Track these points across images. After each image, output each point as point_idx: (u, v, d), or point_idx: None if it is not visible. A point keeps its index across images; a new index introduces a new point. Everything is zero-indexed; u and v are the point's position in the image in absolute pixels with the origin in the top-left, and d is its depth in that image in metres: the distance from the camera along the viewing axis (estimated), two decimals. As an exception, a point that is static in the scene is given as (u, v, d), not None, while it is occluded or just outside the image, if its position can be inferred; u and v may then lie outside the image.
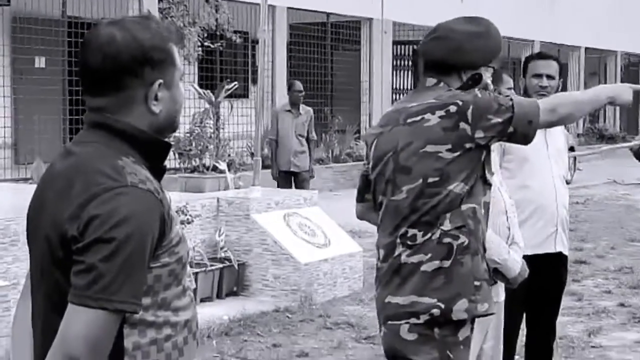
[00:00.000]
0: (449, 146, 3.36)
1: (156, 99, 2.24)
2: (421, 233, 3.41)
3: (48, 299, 2.21)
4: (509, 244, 4.27)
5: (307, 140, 12.39)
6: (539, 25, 27.20)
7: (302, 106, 12.43)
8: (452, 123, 3.36)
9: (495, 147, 4.25)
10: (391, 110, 3.61)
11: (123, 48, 2.20)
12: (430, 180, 3.39)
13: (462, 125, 3.35)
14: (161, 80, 2.24)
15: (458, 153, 3.37)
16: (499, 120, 3.37)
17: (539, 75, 5.22)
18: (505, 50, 27.53)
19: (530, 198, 5.07)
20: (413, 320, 3.41)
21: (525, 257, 4.41)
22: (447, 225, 3.38)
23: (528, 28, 26.69)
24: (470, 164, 3.39)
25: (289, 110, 12.39)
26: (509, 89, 6.02)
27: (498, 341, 4.47)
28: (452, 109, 3.36)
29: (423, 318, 3.39)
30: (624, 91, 3.63)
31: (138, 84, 2.22)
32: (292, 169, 12.22)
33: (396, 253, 3.45)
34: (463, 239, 3.39)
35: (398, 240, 3.45)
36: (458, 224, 3.38)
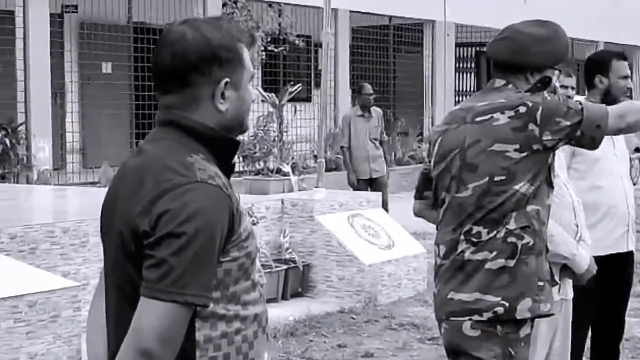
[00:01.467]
0: (517, 146, 3.40)
1: (223, 97, 2.29)
2: (486, 231, 3.44)
3: (121, 293, 2.27)
4: (577, 240, 4.26)
5: (381, 143, 12.00)
6: (603, 25, 26.88)
7: (372, 109, 12.04)
8: (521, 124, 3.40)
9: (564, 147, 4.25)
10: (457, 109, 3.65)
11: (192, 46, 2.25)
12: (497, 179, 3.42)
13: (531, 126, 3.40)
14: (228, 79, 2.28)
15: (526, 154, 3.40)
16: (568, 123, 3.41)
17: (626, 77, 5.19)
18: (569, 50, 27.28)
19: (603, 199, 5.06)
20: (476, 318, 3.44)
21: (598, 257, 4.40)
22: (512, 225, 3.41)
23: (591, 28, 26.38)
24: (536, 165, 3.42)
25: (362, 115, 11.93)
26: (564, 87, 6.00)
27: (567, 340, 4.45)
28: (522, 110, 3.41)
29: (487, 316, 3.42)
30: None
31: (206, 82, 2.27)
32: (373, 176, 11.76)
33: (459, 250, 3.48)
34: (528, 239, 3.42)
35: (462, 237, 3.47)
36: (523, 224, 3.42)
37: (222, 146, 2.32)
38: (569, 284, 4.32)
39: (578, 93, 6.14)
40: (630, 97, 5.18)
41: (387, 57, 21.53)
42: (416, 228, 10.72)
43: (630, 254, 5.26)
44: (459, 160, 3.50)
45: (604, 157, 5.07)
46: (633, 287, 5.63)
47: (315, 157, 13.13)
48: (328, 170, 13.87)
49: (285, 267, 8.61)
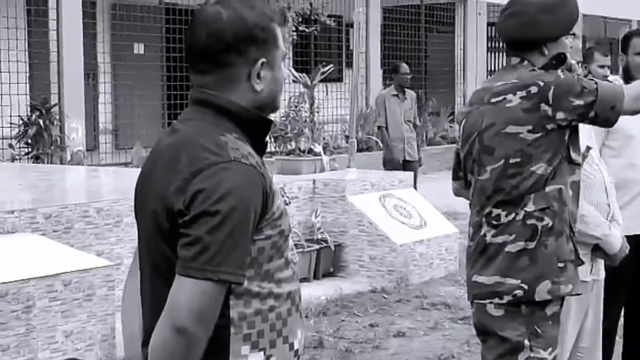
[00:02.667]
0: (530, 127, 3.35)
1: (259, 77, 2.30)
2: (505, 213, 3.42)
3: (156, 271, 2.29)
4: (609, 220, 4.25)
5: (414, 126, 11.81)
6: (636, 3, 26.61)
7: (406, 90, 11.84)
8: (532, 104, 3.34)
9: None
10: (480, 89, 3.62)
11: (228, 26, 2.25)
12: (512, 161, 3.38)
13: (543, 106, 3.34)
14: (264, 59, 2.29)
15: (539, 134, 3.35)
16: (581, 102, 3.34)
17: None
18: (602, 29, 27.04)
19: (638, 177, 5.01)
20: (497, 300, 3.44)
21: (630, 237, 4.38)
22: (530, 207, 3.38)
23: (625, 6, 26.14)
24: (553, 145, 3.37)
25: (396, 95, 11.72)
26: (601, 66, 5.95)
27: (598, 320, 4.44)
28: (533, 89, 3.35)
29: (506, 299, 3.42)
30: None
31: (242, 61, 2.28)
32: (407, 158, 11.54)
33: (482, 232, 3.48)
34: (547, 220, 3.39)
35: (484, 220, 3.48)
36: (542, 205, 3.38)
37: (255, 125, 2.33)
38: (600, 263, 4.31)
39: (612, 72, 6.10)
40: None
41: (418, 36, 21.45)
42: (447, 208, 10.71)
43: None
44: (478, 143, 3.48)
45: (639, 134, 5.04)
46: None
47: (347, 137, 13.11)
48: (359, 150, 13.85)
49: (317, 246, 8.64)
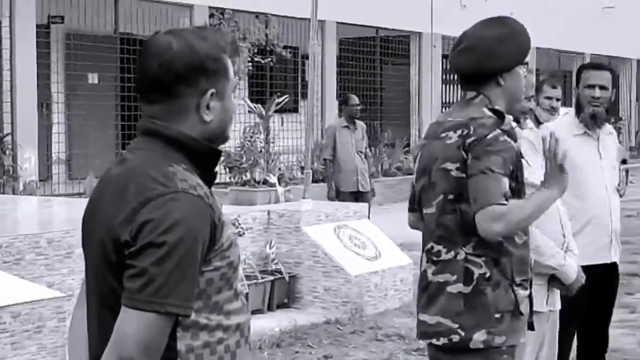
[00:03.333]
0: (457, 165, 3.35)
1: (208, 108, 2.29)
2: (445, 250, 3.40)
3: (102, 303, 2.26)
4: (564, 251, 4.26)
5: (365, 156, 11.73)
6: (590, 37, 27.01)
7: (356, 121, 11.79)
8: (460, 144, 3.35)
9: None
10: (435, 122, 3.63)
11: (178, 56, 2.24)
12: (449, 197, 3.39)
13: (461, 150, 3.34)
14: (214, 90, 2.28)
15: (463, 175, 3.34)
16: (470, 164, 3.30)
17: (592, 86, 5.17)
18: (556, 62, 27.36)
19: (585, 208, 5.04)
20: (434, 342, 3.43)
21: (582, 266, 4.39)
22: (469, 249, 3.36)
23: (579, 40, 26.51)
24: None
25: (346, 126, 11.65)
26: (548, 98, 6.01)
27: (553, 350, 4.45)
28: (465, 131, 3.35)
29: (442, 341, 3.40)
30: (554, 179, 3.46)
31: (191, 92, 2.26)
32: (359, 189, 11.49)
33: (423, 268, 3.49)
34: (485, 269, 3.36)
35: (425, 255, 3.49)
36: (479, 252, 3.35)
37: (204, 156, 2.32)
38: (556, 294, 4.32)
39: (564, 104, 6.16)
40: (596, 107, 5.16)
41: (373, 68, 21.57)
42: (403, 239, 10.71)
43: (614, 265, 5.26)
44: (427, 177, 3.48)
45: (589, 166, 5.09)
46: (618, 298, 5.63)
47: (302, 167, 13.10)
48: (315, 181, 13.86)
49: (271, 277, 8.60)
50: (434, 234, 3.43)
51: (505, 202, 3.24)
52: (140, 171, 2.22)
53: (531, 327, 3.59)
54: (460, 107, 3.50)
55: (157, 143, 2.28)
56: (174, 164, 2.23)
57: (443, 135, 3.41)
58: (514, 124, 3.50)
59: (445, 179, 3.39)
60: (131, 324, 2.10)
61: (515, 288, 3.40)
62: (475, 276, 3.35)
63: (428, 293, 3.44)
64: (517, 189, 3.39)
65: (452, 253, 3.38)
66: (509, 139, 3.35)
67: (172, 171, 2.21)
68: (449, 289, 3.38)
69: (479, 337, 3.36)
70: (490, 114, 3.38)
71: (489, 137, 3.31)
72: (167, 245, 2.11)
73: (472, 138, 3.32)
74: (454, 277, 3.37)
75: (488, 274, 3.35)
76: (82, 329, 2.40)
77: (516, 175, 3.40)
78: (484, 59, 3.42)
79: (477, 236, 3.31)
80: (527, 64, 3.53)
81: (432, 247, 3.44)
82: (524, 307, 3.45)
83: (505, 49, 3.42)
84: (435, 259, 3.42)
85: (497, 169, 3.27)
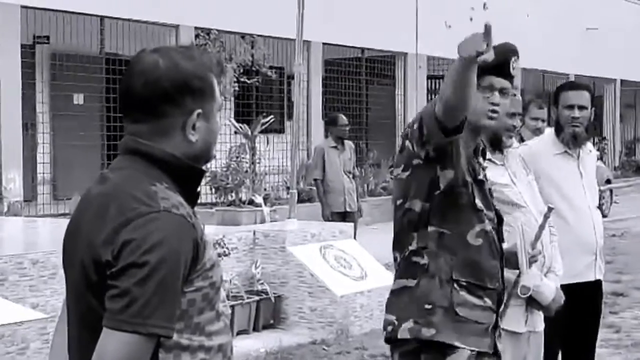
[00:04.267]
0: (402, 166, 3.46)
1: (194, 128, 2.27)
2: (399, 255, 3.51)
3: (83, 324, 2.24)
4: (545, 272, 4.25)
5: (354, 177, 11.64)
6: (574, 58, 27.14)
7: (345, 141, 11.69)
8: (403, 144, 3.47)
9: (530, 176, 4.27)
10: None
11: (165, 75, 2.23)
12: (398, 202, 3.50)
13: (407, 143, 3.43)
14: (200, 110, 2.27)
15: (409, 171, 3.44)
16: (415, 127, 3.38)
17: (571, 107, 5.19)
18: (540, 82, 27.47)
19: (569, 227, 5.05)
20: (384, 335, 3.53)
21: (563, 286, 4.39)
22: (414, 245, 3.44)
23: (563, 61, 26.63)
24: (423, 181, 3.41)
25: (335, 147, 11.53)
26: (535, 119, 6.03)
27: (538, 371, 4.43)
28: (407, 130, 3.47)
29: (384, 335, 3.50)
30: (468, 41, 3.13)
31: (177, 112, 2.25)
32: (347, 209, 11.36)
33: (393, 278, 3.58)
34: (425, 260, 3.41)
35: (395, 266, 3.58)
36: (422, 244, 3.42)
37: (187, 175, 2.30)
38: (537, 315, 4.30)
39: (549, 124, 6.18)
40: (576, 127, 5.19)
41: (359, 88, 21.60)
42: (389, 259, 10.66)
43: (598, 284, 5.26)
44: None
45: (571, 184, 5.12)
46: (603, 317, 5.63)
47: (288, 188, 13.09)
48: (300, 201, 13.85)
49: (256, 298, 8.57)
50: (393, 242, 3.54)
51: None
52: (122, 190, 2.21)
53: (495, 350, 3.52)
54: None
55: (139, 162, 2.26)
56: (156, 183, 2.22)
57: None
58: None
59: (396, 186, 3.52)
60: (112, 344, 2.08)
61: (456, 287, 3.40)
62: (417, 268, 3.42)
63: (388, 299, 3.55)
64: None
65: (403, 255, 3.47)
66: None
67: (154, 190, 2.19)
68: (397, 285, 3.48)
69: (406, 326, 3.41)
70: None
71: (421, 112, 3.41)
72: (149, 265, 2.09)
73: (413, 126, 3.40)
74: (399, 273, 3.49)
75: (426, 265, 3.41)
76: (62, 352, 2.37)
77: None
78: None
79: (419, 230, 3.41)
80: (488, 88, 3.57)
81: (395, 257, 3.54)
82: (466, 311, 3.41)
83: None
84: (396, 267, 3.53)
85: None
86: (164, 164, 2.26)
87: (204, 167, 2.36)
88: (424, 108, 3.40)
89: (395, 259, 3.54)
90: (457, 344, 3.39)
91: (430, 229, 3.41)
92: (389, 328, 3.45)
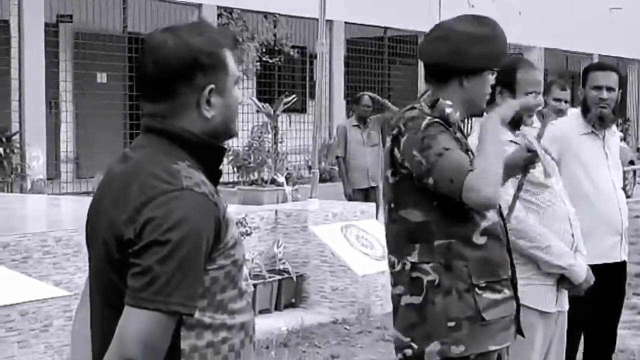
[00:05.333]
0: (392, 170, 3.23)
1: (208, 104, 2.27)
2: (396, 260, 3.28)
3: (106, 301, 2.25)
4: (574, 251, 4.24)
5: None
6: (598, 38, 26.95)
7: (367, 120, 11.54)
8: (392, 146, 3.21)
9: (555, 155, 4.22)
10: None
11: (173, 53, 2.23)
12: (391, 204, 3.27)
13: (395, 151, 3.20)
14: (212, 86, 2.26)
15: (397, 177, 3.21)
16: (422, 160, 3.10)
17: (599, 87, 5.16)
18: (564, 63, 27.31)
19: (594, 207, 5.04)
20: (398, 357, 3.30)
21: (590, 266, 4.38)
22: (414, 258, 3.21)
23: (586, 41, 26.45)
24: (416, 191, 3.17)
25: (357, 125, 11.49)
26: (557, 100, 5.98)
27: (562, 351, 4.41)
28: (395, 132, 3.21)
29: (399, 356, 3.27)
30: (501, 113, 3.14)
31: (189, 89, 2.25)
32: (371, 184, 11.32)
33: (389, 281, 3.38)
34: (433, 276, 3.18)
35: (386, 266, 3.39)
36: (426, 259, 3.19)
37: (208, 153, 2.30)
38: (565, 295, 4.29)
39: (573, 105, 6.14)
40: (603, 108, 5.14)
41: (381, 68, 21.55)
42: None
43: (622, 264, 5.24)
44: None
45: (596, 165, 5.09)
46: (627, 299, 5.61)
47: (310, 167, 13.09)
48: (322, 180, 13.85)
49: (278, 277, 8.59)
50: (388, 244, 3.33)
51: (472, 167, 3.03)
52: (143, 168, 2.21)
53: (520, 333, 3.42)
54: (407, 108, 3.33)
55: (160, 140, 2.26)
56: (178, 161, 2.22)
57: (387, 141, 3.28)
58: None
59: (387, 187, 3.28)
60: (134, 322, 2.08)
61: (478, 292, 3.21)
62: (425, 284, 3.19)
63: (393, 306, 3.34)
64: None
65: (401, 264, 3.25)
66: (440, 122, 3.18)
67: (176, 168, 2.20)
68: (402, 301, 3.25)
69: (432, 349, 3.19)
70: (427, 109, 3.24)
71: (421, 127, 3.15)
72: (171, 243, 2.09)
73: (404, 137, 3.17)
74: (403, 289, 3.25)
75: (437, 281, 3.18)
76: (85, 329, 2.39)
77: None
78: (452, 53, 3.22)
79: (421, 243, 3.19)
80: (496, 71, 3.33)
81: (389, 259, 3.32)
82: (492, 312, 3.24)
83: (477, 50, 3.21)
84: (391, 269, 3.30)
85: (447, 146, 3.09)
86: (184, 142, 2.26)
87: (225, 145, 2.35)
88: (443, 159, 3.05)
89: (391, 263, 3.30)
90: (490, 348, 3.25)
91: (437, 242, 3.18)
92: (408, 352, 3.22)
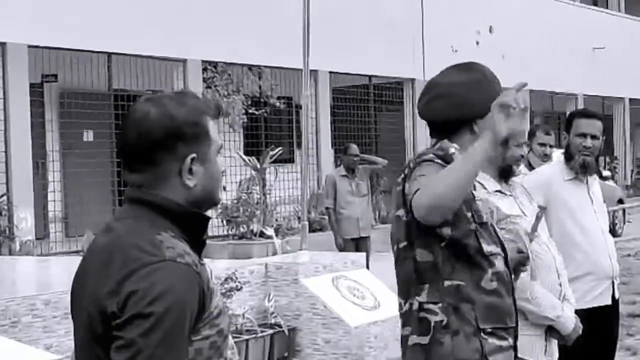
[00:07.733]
0: (404, 208, 3.23)
1: (190, 172, 2.27)
2: (403, 301, 3.30)
3: (91, 375, 2.22)
4: (562, 300, 4.23)
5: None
6: (582, 78, 27.14)
7: (355, 169, 11.59)
8: (403, 185, 3.23)
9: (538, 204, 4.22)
10: None
11: (156, 123, 2.24)
12: (401, 245, 3.28)
13: (406, 189, 3.21)
14: (194, 155, 2.26)
15: (408, 218, 3.20)
16: (405, 188, 3.19)
17: (583, 135, 5.18)
18: (549, 104, 27.46)
19: (584, 253, 5.04)
20: None
21: (580, 311, 4.37)
22: (423, 297, 3.22)
23: (570, 81, 26.63)
24: (424, 230, 3.16)
25: (345, 175, 11.52)
26: (542, 145, 6.01)
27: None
28: (407, 172, 3.25)
29: None
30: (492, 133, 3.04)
31: (171, 158, 2.25)
32: (361, 234, 11.34)
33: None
34: (441, 316, 3.19)
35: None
36: (434, 299, 3.20)
37: (191, 222, 2.29)
38: (554, 344, 4.28)
39: (559, 147, 6.17)
40: (587, 156, 5.16)
41: (368, 115, 21.61)
42: (402, 287, 10.64)
43: (614, 306, 5.22)
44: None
45: (582, 211, 5.11)
46: (620, 340, 5.59)
47: (299, 217, 13.08)
48: (312, 230, 13.83)
49: (270, 331, 8.53)
50: (397, 285, 3.34)
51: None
52: (126, 241, 2.20)
53: None
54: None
55: (143, 211, 2.26)
56: (161, 232, 2.21)
57: (397, 182, 3.32)
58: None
59: (397, 227, 3.28)
60: None
61: (484, 336, 3.21)
62: (432, 325, 3.21)
63: (401, 347, 3.36)
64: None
65: (409, 304, 3.27)
66: (438, 161, 3.20)
67: (159, 239, 2.19)
68: (410, 341, 3.27)
69: None
70: (425, 155, 3.26)
71: (420, 159, 3.22)
72: (154, 316, 2.08)
73: (409, 170, 3.22)
74: (411, 329, 3.26)
75: (445, 321, 3.19)
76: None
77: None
78: (458, 106, 3.29)
79: (430, 283, 3.20)
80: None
81: (398, 299, 3.35)
82: (498, 358, 3.25)
83: (479, 95, 3.28)
84: (399, 311, 3.33)
85: (426, 173, 3.13)
86: (167, 212, 2.26)
87: (208, 214, 2.34)
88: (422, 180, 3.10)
89: (399, 304, 3.34)
90: None
91: (447, 283, 3.19)
92: None
